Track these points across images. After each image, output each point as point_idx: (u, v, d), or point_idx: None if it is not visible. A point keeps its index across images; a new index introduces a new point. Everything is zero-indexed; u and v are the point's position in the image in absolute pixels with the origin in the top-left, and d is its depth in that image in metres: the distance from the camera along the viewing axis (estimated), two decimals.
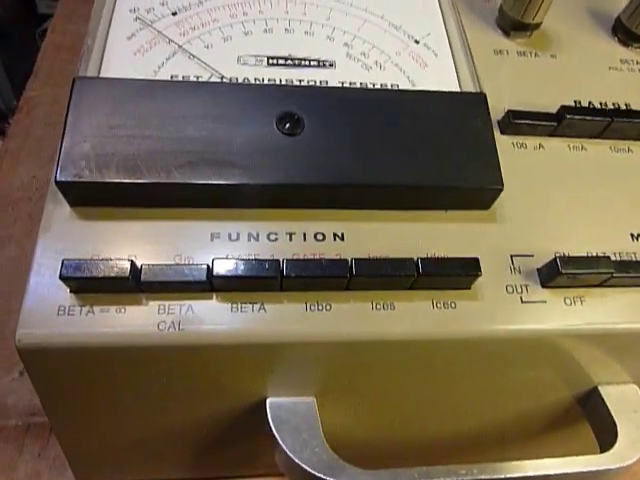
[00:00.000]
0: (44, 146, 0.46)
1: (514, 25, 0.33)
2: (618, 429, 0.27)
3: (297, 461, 0.23)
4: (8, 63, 1.05)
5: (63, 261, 0.22)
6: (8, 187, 0.43)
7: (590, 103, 0.32)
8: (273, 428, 0.24)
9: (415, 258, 0.23)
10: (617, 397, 0.28)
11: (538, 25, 0.34)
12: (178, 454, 0.31)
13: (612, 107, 0.32)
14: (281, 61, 0.29)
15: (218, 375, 0.25)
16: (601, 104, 0.32)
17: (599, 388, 0.28)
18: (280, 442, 0.24)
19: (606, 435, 0.27)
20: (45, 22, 0.97)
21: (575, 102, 0.32)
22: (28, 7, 1.01)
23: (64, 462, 0.31)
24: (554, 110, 0.30)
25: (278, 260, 0.23)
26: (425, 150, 0.26)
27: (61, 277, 0.22)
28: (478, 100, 0.27)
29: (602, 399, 0.28)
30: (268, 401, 0.26)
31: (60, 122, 0.50)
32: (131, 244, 0.24)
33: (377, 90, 0.28)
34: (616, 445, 0.26)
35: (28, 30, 0.99)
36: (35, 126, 0.48)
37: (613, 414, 0.27)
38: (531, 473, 0.25)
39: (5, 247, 0.40)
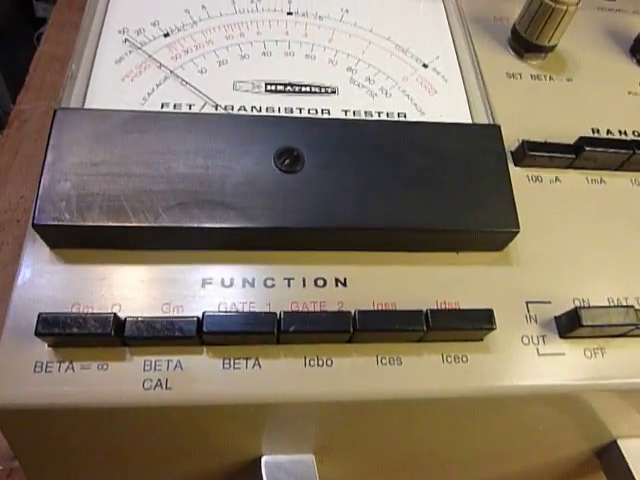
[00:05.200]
0: (34, 164, 0.44)
1: (528, 47, 0.32)
2: None
3: None
4: (5, 66, 1.03)
5: (39, 315, 0.20)
6: None
7: (609, 131, 0.30)
8: None
9: (424, 310, 0.22)
10: (637, 451, 0.26)
11: (553, 47, 0.32)
12: None
13: (632, 136, 0.30)
14: (280, 87, 0.27)
15: (208, 435, 0.23)
16: (620, 132, 0.30)
17: (618, 442, 0.26)
18: None
19: None
20: (42, 26, 0.96)
21: (593, 130, 0.30)
22: (25, 10, 1.00)
23: None
24: (570, 139, 0.28)
25: (275, 313, 0.21)
26: (435, 189, 0.24)
27: (37, 333, 0.20)
28: (492, 134, 0.25)
29: (621, 453, 0.26)
30: (263, 460, 0.24)
31: None
32: (116, 291, 0.22)
33: (382, 122, 0.26)
34: None
35: (25, 33, 0.97)
36: (25, 142, 0.46)
37: (632, 469, 0.26)
38: None
39: None
